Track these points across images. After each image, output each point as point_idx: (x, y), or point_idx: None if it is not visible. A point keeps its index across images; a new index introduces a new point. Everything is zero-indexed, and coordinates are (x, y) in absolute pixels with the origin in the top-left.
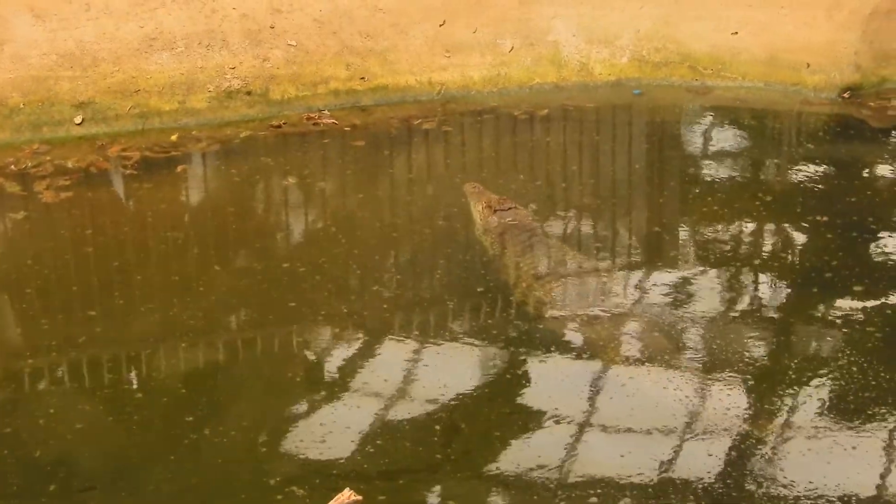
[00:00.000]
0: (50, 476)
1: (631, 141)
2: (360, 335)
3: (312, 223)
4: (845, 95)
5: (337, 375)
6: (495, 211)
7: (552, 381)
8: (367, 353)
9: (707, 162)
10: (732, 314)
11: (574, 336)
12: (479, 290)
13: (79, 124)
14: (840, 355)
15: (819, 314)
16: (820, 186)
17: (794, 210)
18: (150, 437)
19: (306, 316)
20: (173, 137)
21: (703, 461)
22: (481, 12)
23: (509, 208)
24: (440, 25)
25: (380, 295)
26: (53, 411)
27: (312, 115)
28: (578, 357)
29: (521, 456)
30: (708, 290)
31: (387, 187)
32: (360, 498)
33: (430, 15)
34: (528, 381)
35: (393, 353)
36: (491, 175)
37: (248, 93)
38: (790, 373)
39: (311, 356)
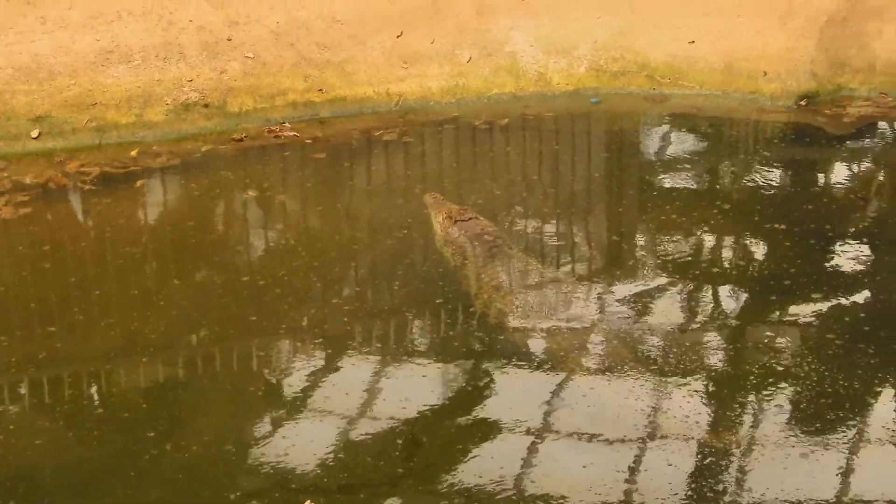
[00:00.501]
0: (10, 492)
1: (590, 150)
2: (322, 348)
3: (273, 236)
4: (802, 103)
5: (298, 389)
6: (456, 222)
7: (513, 393)
8: (328, 366)
9: (665, 170)
10: (692, 323)
11: (535, 347)
12: (439, 301)
13: (35, 138)
14: (800, 362)
15: (778, 322)
16: (777, 194)
17: (751, 218)
18: (111, 453)
19: (267, 330)
20: (133, 153)
21: (663, 471)
22: (439, 23)
23: (470, 219)
24: (398, 36)
25: (340, 307)
26: (13, 427)
27: (273, 128)
28: (540, 368)
29: (482, 469)
30: (667, 299)
31: (347, 199)
32: None
33: (387, 26)
34: (490, 392)
35: (354, 366)
36: (451, 185)
37: (206, 105)
38: (750, 381)
39: (272, 370)
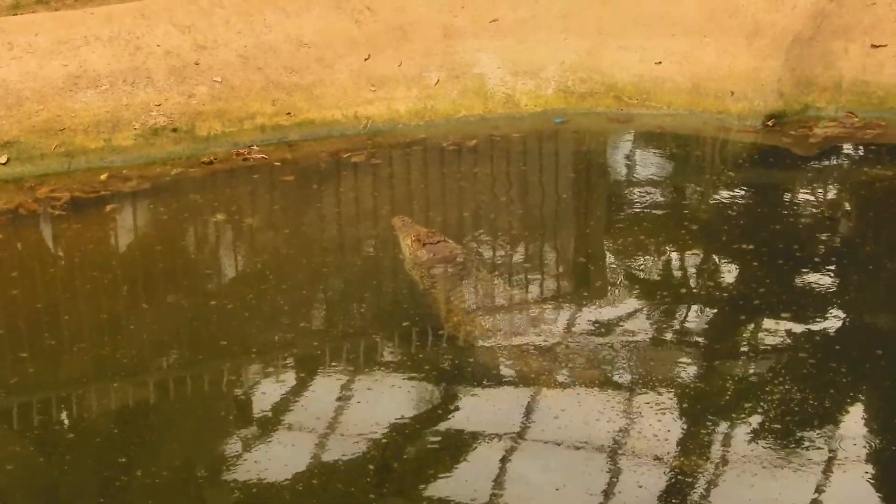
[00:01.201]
0: None
1: (558, 171)
2: (291, 372)
3: (241, 259)
4: (769, 123)
5: (269, 414)
6: (424, 244)
7: (484, 414)
8: (298, 390)
9: (633, 190)
10: (661, 343)
11: (505, 368)
12: (409, 324)
13: (4, 164)
14: (770, 382)
15: (748, 341)
16: (745, 214)
17: (719, 238)
18: (82, 479)
19: (236, 353)
20: (102, 177)
21: (635, 492)
22: (406, 45)
23: (438, 241)
24: (365, 59)
25: (309, 331)
26: None
27: (242, 151)
28: (510, 389)
29: (454, 492)
30: (636, 320)
31: (315, 222)
32: None
33: (354, 49)
34: (460, 415)
35: (324, 390)
36: (420, 207)
37: (174, 129)
38: (720, 400)
39: (242, 394)
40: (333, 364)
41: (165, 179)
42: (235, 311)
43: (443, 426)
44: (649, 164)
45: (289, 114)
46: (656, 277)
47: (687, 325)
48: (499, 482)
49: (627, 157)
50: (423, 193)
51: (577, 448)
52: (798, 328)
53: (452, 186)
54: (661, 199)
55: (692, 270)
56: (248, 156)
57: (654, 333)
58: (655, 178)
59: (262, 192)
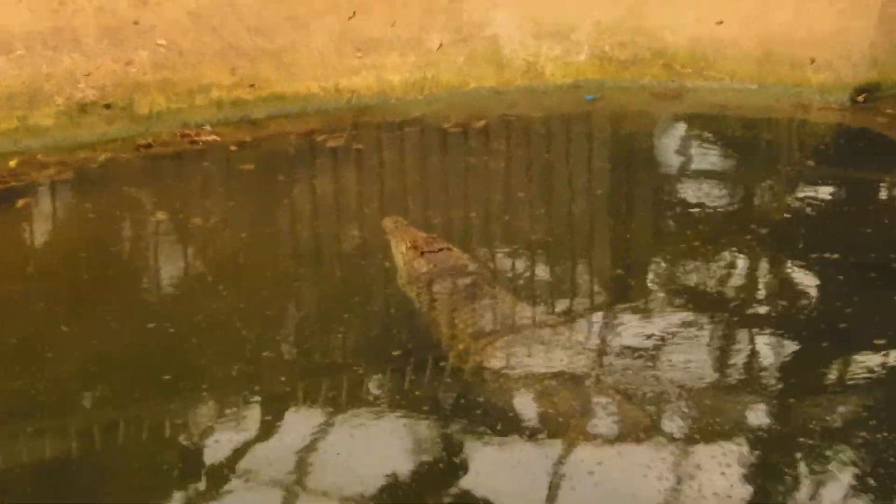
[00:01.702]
0: None
1: (591, 160)
2: (252, 414)
3: (188, 271)
4: (860, 99)
5: (224, 468)
6: (423, 253)
7: (499, 470)
8: (261, 437)
9: (686, 185)
10: (723, 378)
11: (525, 410)
12: (400, 353)
13: None
14: (861, 426)
15: (832, 376)
16: (828, 215)
17: (795, 245)
18: None
19: (183, 391)
20: (12, 163)
21: None
22: (401, 1)
23: (440, 249)
24: (349, 18)
25: (275, 362)
26: None
27: (189, 132)
28: (532, 437)
29: None
30: (691, 349)
31: (283, 223)
32: None
33: (336, 5)
34: (468, 469)
35: (294, 437)
36: (417, 206)
37: (108, 106)
38: (799, 451)
39: (190, 443)
40: (306, 404)
41: (92, 167)
42: (181, 337)
43: (445, 483)
44: (707, 151)
45: (252, 86)
46: (715, 295)
47: (755, 354)
48: None
49: (679, 143)
50: (420, 188)
51: None
52: (895, 358)
53: (458, 179)
54: (722, 195)
55: (761, 286)
56: (198, 138)
57: (713, 365)
58: (714, 169)
59: (214, 185)
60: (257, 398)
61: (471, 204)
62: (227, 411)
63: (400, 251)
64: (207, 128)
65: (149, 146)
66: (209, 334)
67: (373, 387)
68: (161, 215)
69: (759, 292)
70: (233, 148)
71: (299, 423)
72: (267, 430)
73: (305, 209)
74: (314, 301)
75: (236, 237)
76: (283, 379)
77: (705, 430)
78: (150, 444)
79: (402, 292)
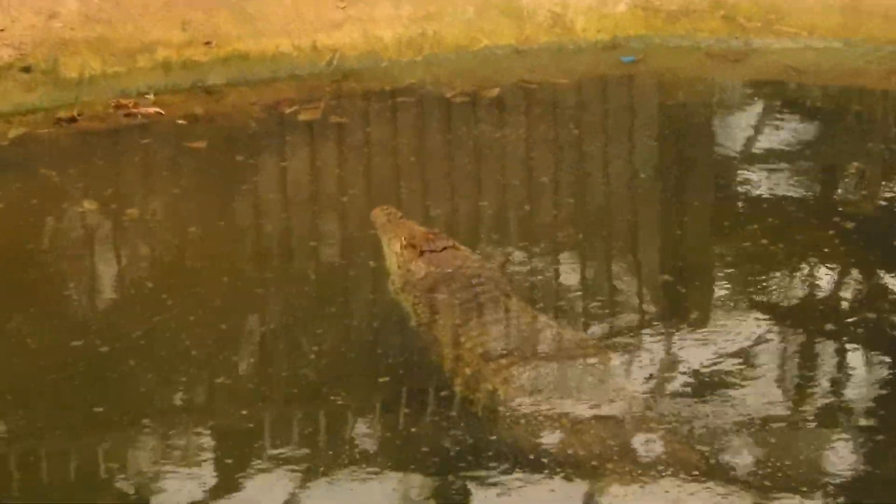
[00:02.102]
0: None
1: (632, 137)
2: (205, 458)
3: (123, 275)
4: None
5: None
6: (422, 253)
7: None
8: (217, 487)
9: (751, 169)
10: (796, 411)
11: (550, 452)
12: (389, 380)
13: None
14: None
15: None
16: None
17: (890, 244)
18: None
19: (118, 426)
20: None
21: None
22: None
23: (443, 248)
24: None
25: (233, 391)
26: None
27: (126, 103)
28: (558, 487)
29: None
30: (756, 374)
31: (242, 215)
32: None
33: None
34: None
35: (257, 489)
36: (414, 194)
37: (26, 68)
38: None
39: (127, 487)
40: (272, 446)
41: (2, 145)
42: (115, 358)
43: None
44: (778, 126)
45: (208, 44)
46: (787, 307)
47: (838, 380)
48: None
49: (743, 116)
50: (418, 172)
51: None
52: None
53: (465, 161)
54: (797, 182)
55: (845, 295)
56: (136, 110)
57: (784, 394)
58: (788, 148)
59: (157, 167)
60: (211, 437)
61: (482, 192)
62: (174, 454)
63: (393, 251)
64: (149, 97)
65: (75, 119)
66: (150, 355)
67: (356, 423)
68: (89, 205)
69: (843, 303)
70: (181, 122)
71: (263, 469)
72: (223, 478)
73: (271, 198)
74: (282, 313)
75: (184, 233)
76: (242, 413)
77: (774, 477)
78: (77, 489)
79: (394, 302)
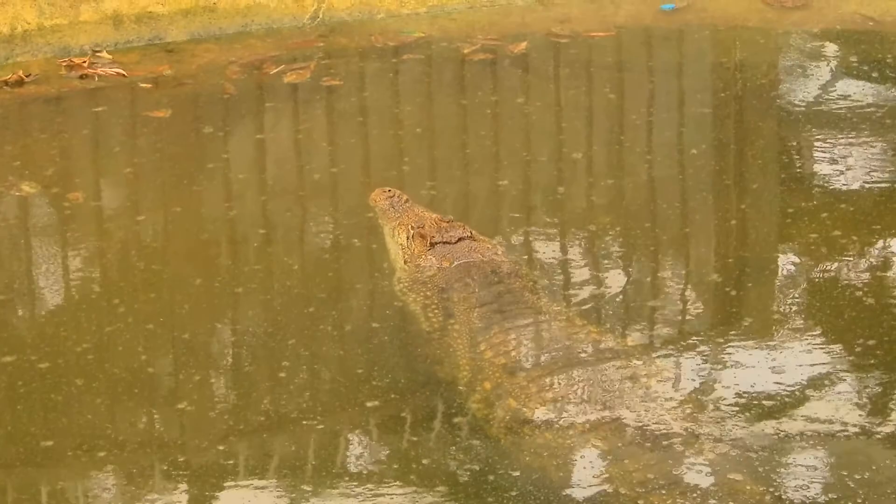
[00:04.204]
0: None
1: (682, 102)
2: (169, 496)
3: (67, 275)
4: None
5: None
6: (433, 244)
7: None
8: None
9: (821, 144)
10: (876, 435)
11: (584, 483)
12: (395, 398)
13: None
14: None
15: None
16: None
17: None
18: None
19: (64, 459)
20: None
21: None
22: None
23: (459, 239)
24: None
25: (200, 417)
26: None
27: (80, 62)
28: None
29: None
30: (829, 391)
31: (211, 200)
32: None
33: None
34: None
35: None
36: (420, 172)
37: None
38: None
39: None
40: (247, 483)
41: None
42: (58, 378)
43: None
44: (851, 88)
45: None
46: (860, 310)
47: None
48: None
49: (811, 77)
50: (426, 142)
51: None
52: None
53: (483, 133)
54: (877, 159)
55: None
56: (89, 70)
57: (860, 415)
58: (865, 116)
59: (111, 140)
60: (175, 471)
61: (502, 170)
62: (137, 493)
63: (398, 242)
64: (106, 55)
65: (17, 82)
66: (101, 373)
67: (349, 452)
68: (27, 188)
69: None
70: (143, 85)
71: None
72: None
73: (242, 179)
74: (258, 320)
75: (140, 222)
76: (210, 441)
77: None
78: None
79: (398, 303)
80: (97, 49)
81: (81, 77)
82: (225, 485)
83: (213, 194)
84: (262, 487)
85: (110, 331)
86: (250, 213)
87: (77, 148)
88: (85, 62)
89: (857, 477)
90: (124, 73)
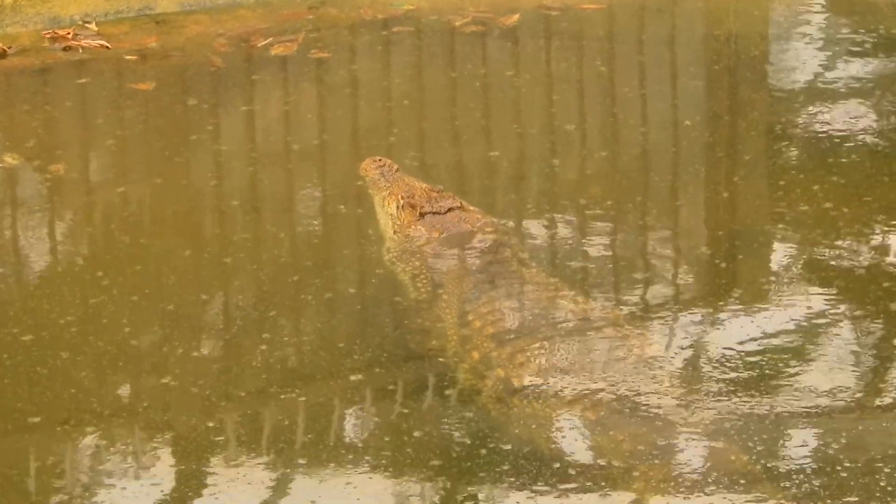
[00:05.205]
0: None
1: (675, 75)
2: (158, 469)
3: (50, 247)
4: None
5: None
6: (423, 214)
7: None
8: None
9: (815, 116)
10: (864, 404)
11: (574, 454)
12: (383, 371)
13: None
14: None
15: None
16: None
17: None
18: None
19: (53, 435)
20: None
21: None
22: None
23: (449, 210)
24: None
25: (186, 390)
26: None
27: (63, 34)
28: (583, 491)
29: None
30: (819, 362)
31: (199, 171)
32: None
33: None
34: None
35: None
36: (410, 142)
37: None
38: None
39: None
40: (234, 453)
41: None
42: (42, 351)
43: None
44: (848, 60)
45: None
46: (856, 283)
47: None
48: None
49: (805, 49)
50: (415, 115)
51: None
52: None
53: (474, 105)
54: (871, 131)
55: None
56: (76, 42)
57: (848, 384)
58: (860, 89)
59: (95, 113)
60: (162, 445)
61: (493, 142)
62: (124, 467)
63: (388, 212)
64: (92, 27)
65: (5, 54)
66: (85, 346)
67: (340, 425)
68: (10, 159)
69: None
70: (129, 57)
71: (222, 483)
72: (178, 494)
73: (233, 150)
74: (245, 290)
75: (121, 194)
76: (194, 415)
77: (839, 483)
78: None
79: (387, 273)
80: (87, 20)
81: (65, 49)
82: (211, 458)
83: (196, 166)
84: (250, 461)
85: (95, 303)
86: (237, 183)
87: (60, 120)
88: (69, 34)
89: (845, 446)
90: (108, 45)
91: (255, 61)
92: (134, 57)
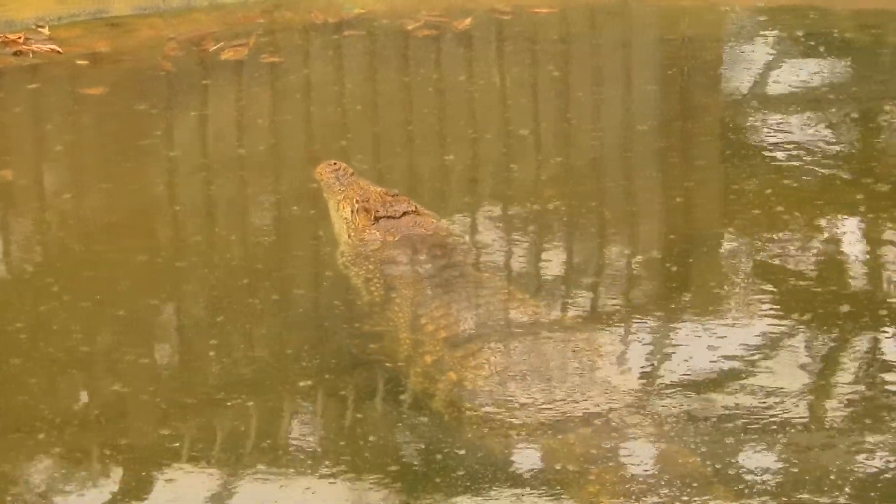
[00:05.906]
0: None
1: (629, 79)
2: (108, 478)
3: None
4: None
5: None
6: (377, 218)
7: None
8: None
9: (767, 118)
10: (821, 411)
11: (526, 458)
12: (332, 377)
13: None
14: None
15: None
16: None
17: None
18: None
19: (1, 437)
20: None
21: None
22: None
23: (404, 213)
24: None
25: (137, 398)
26: None
27: (14, 38)
28: (537, 495)
29: None
30: (772, 368)
31: (150, 176)
32: None
33: None
34: None
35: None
36: (363, 147)
37: None
38: None
39: None
40: (186, 461)
41: None
42: None
43: None
44: (800, 65)
45: None
46: (808, 288)
47: (864, 374)
48: None
49: (758, 52)
50: (368, 119)
51: None
52: None
53: (428, 109)
54: (822, 133)
55: (875, 274)
56: (27, 47)
57: (806, 392)
58: (810, 91)
59: (40, 119)
60: (114, 452)
61: (447, 146)
62: (76, 475)
63: (342, 216)
64: (44, 30)
65: None
66: (35, 353)
67: (289, 429)
68: None
69: (871, 283)
70: (79, 62)
71: (185, 490)
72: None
73: (184, 154)
74: (195, 295)
75: (73, 200)
76: (145, 421)
77: (794, 487)
78: None
79: (340, 275)
80: (41, 24)
81: (15, 54)
82: (166, 465)
83: (147, 171)
84: (208, 468)
85: (45, 310)
86: (188, 189)
87: (9, 126)
88: (20, 38)
89: (795, 448)
90: (59, 49)
91: (207, 66)
92: (85, 61)
